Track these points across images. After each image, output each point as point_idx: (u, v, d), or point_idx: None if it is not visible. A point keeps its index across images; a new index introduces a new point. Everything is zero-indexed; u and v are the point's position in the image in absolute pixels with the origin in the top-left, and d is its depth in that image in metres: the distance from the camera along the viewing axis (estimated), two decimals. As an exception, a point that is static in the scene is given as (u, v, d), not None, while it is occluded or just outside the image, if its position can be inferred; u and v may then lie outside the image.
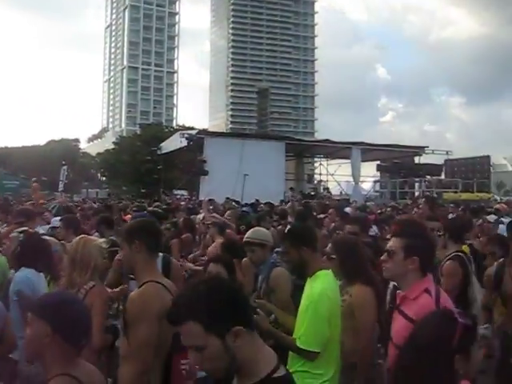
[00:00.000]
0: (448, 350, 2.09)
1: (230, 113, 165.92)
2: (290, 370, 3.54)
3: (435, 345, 2.10)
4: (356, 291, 4.09)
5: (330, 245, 4.43)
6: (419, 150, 33.42)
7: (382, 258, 3.40)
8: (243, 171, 23.56)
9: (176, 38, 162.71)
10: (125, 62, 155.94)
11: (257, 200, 17.54)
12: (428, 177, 31.30)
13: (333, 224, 8.56)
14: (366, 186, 35.66)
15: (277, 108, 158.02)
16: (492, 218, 8.96)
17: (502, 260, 4.85)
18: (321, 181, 38.68)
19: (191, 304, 1.90)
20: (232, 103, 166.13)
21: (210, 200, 14.04)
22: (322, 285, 3.65)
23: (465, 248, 5.77)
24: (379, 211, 14.95)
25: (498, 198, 40.11)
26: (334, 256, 4.23)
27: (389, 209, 16.37)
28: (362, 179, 32.52)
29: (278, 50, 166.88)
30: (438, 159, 36.17)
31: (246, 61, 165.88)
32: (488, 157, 39.09)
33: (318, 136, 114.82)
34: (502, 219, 9.12)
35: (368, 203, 22.21)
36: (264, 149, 27.19)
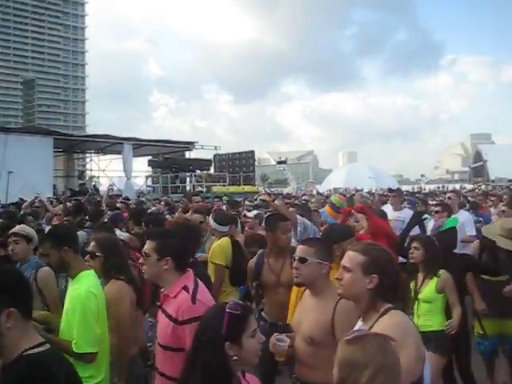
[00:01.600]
0: (216, 337, 2.29)
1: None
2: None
3: (206, 333, 2.32)
4: (108, 288, 4.11)
5: (92, 243, 4.35)
6: (189, 145, 34.47)
7: (140, 260, 3.53)
8: (7, 168, 22.12)
9: None
10: None
11: (21, 199, 16.63)
12: (198, 171, 32.42)
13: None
14: (139, 181, 35.82)
15: (45, 100, 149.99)
16: (253, 213, 9.51)
17: (261, 251, 5.17)
18: (92, 177, 37.86)
19: None
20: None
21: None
22: (86, 284, 3.65)
23: (225, 240, 6.08)
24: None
25: (263, 190, 43.09)
26: (98, 254, 4.20)
27: (162, 203, 16.71)
28: (134, 174, 32.56)
29: (45, 39, 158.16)
30: (207, 154, 37.74)
31: (9, 48, 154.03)
32: (253, 152, 41.66)
33: (90, 130, 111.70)
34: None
35: (141, 198, 22.37)
36: (30, 144, 25.62)
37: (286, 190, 50.41)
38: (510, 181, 57.85)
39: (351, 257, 2.70)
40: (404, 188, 49.55)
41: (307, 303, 3.45)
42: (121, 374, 3.97)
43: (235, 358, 2.27)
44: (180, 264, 3.37)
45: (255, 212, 9.72)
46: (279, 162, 74.68)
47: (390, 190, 11.92)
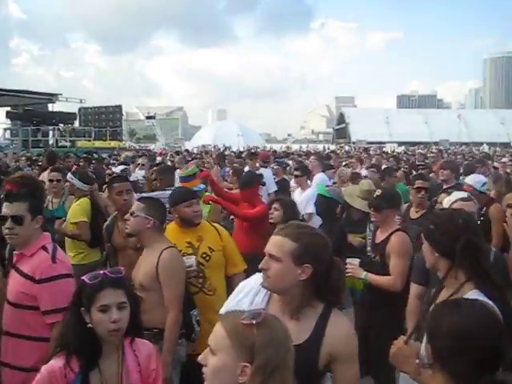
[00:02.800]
0: (74, 301, 2.39)
1: None
2: None
3: (71, 302, 2.42)
4: None
5: None
6: (53, 97, 32.77)
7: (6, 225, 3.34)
8: None
9: None
10: None
11: None
12: (62, 125, 31.12)
13: None
14: (-4, 133, 33.62)
15: None
16: (119, 169, 9.43)
17: (114, 214, 5.19)
18: None
19: None
20: None
21: None
22: None
23: (84, 200, 6.04)
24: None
25: (131, 146, 42.31)
26: None
27: (23, 158, 15.91)
28: (-11, 126, 30.55)
29: None
30: (72, 107, 36.19)
31: None
32: (120, 106, 40.39)
33: None
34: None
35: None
36: None
37: (154, 146, 49.76)
38: (368, 143, 61.35)
39: (280, 243, 2.25)
40: (270, 147, 50.99)
41: (142, 255, 3.84)
42: None
43: (89, 325, 2.32)
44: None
45: (121, 167, 9.63)
46: (148, 117, 72.82)
47: (250, 154, 12.37)
